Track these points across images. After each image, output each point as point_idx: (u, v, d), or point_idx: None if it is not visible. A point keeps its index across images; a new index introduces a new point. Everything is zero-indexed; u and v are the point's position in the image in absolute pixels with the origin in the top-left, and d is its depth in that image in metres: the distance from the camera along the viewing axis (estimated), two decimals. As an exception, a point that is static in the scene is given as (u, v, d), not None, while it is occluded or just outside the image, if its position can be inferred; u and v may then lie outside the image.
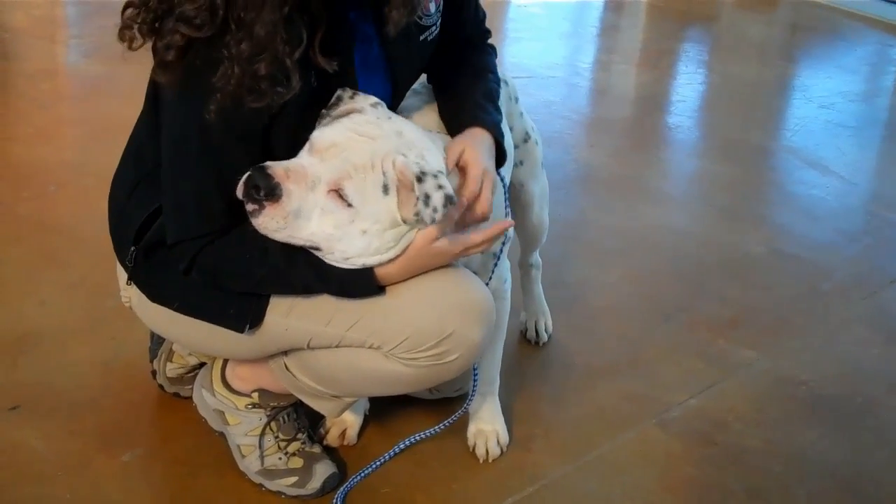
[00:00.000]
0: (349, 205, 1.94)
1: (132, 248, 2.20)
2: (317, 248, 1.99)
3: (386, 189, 1.95)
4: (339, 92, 2.03)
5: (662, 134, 5.70)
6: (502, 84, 2.64)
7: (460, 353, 2.09)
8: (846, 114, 6.19)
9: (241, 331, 2.13)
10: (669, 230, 4.17)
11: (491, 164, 2.17)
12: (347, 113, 2.02)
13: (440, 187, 1.93)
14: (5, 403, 2.63)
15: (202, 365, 2.58)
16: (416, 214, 1.93)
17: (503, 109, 2.67)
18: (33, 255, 3.37)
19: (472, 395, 2.46)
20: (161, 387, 2.68)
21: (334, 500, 2.34)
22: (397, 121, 2.06)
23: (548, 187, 2.97)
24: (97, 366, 2.81)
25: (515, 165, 2.80)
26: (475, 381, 2.42)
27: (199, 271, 2.05)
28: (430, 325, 2.05)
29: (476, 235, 2.07)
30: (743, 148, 5.41)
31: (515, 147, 2.77)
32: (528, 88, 5.59)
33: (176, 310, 2.19)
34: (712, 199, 4.60)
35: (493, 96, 2.34)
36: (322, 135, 1.98)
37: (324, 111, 2.03)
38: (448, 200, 1.93)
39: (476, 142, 2.17)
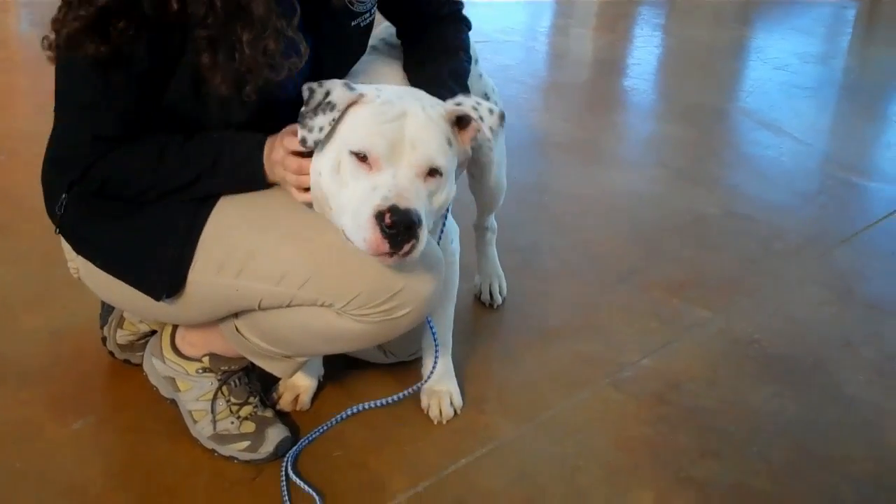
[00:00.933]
0: (440, 174, 1.97)
1: (63, 196, 2.18)
2: None
3: (449, 141, 2.00)
4: (306, 87, 1.97)
5: (618, 97, 5.72)
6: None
7: (411, 307, 2.10)
8: (801, 75, 6.24)
9: (157, 299, 2.13)
10: (624, 193, 4.18)
11: None
12: (344, 111, 1.96)
13: (490, 111, 2.03)
14: (-46, 373, 2.60)
15: (153, 332, 2.57)
16: (473, 139, 2.06)
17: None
18: (-19, 226, 3.34)
19: (434, 363, 2.50)
20: (111, 353, 2.67)
21: (282, 464, 2.33)
22: (385, 88, 2.04)
23: (505, 151, 2.96)
24: (48, 335, 2.79)
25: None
26: (436, 349, 2.44)
27: (92, 181, 2.05)
28: (380, 281, 2.04)
29: None
30: (698, 110, 5.43)
31: (473, 110, 2.78)
32: (484, 52, 5.53)
33: (99, 266, 2.20)
34: (667, 162, 4.62)
35: (460, 75, 2.34)
36: (373, 143, 1.92)
37: (303, 110, 1.95)
38: (501, 116, 2.05)
39: None
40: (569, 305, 3.22)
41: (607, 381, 2.81)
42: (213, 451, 2.38)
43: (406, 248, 1.87)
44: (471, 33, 2.52)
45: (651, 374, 2.87)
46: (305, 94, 1.95)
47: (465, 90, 2.31)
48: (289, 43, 1.97)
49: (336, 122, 1.94)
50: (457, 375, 2.66)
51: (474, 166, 2.91)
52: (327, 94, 1.93)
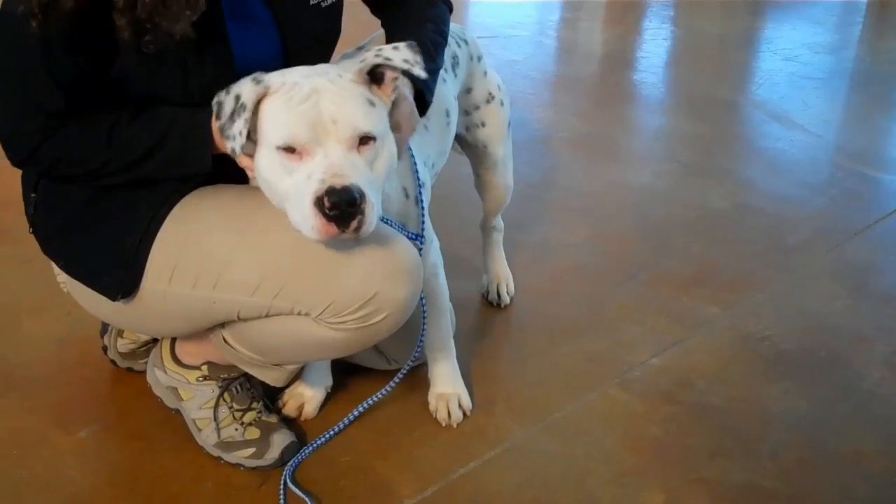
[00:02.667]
0: (373, 139, 1.92)
1: (32, 195, 2.19)
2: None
3: (371, 102, 1.94)
4: (214, 100, 1.92)
5: (627, 91, 5.68)
6: (461, 43, 2.61)
7: (387, 312, 2.07)
8: (812, 66, 6.19)
9: (113, 299, 2.13)
10: (633, 188, 4.16)
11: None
12: (255, 109, 1.91)
13: (395, 48, 1.95)
14: (-41, 382, 2.60)
15: (154, 340, 2.56)
16: (394, 89, 1.98)
17: (463, 69, 2.64)
18: (-14, 232, 3.33)
19: (413, 358, 2.44)
20: (113, 362, 2.66)
21: (283, 474, 2.31)
22: (289, 72, 1.97)
23: (511, 151, 2.94)
24: (52, 342, 2.78)
25: (477, 126, 2.78)
26: (420, 346, 2.41)
27: (42, 160, 2.02)
28: (353, 287, 2.02)
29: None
30: (708, 103, 5.40)
31: (477, 108, 2.75)
32: (491, 48, 5.56)
33: (62, 268, 2.21)
34: (677, 156, 4.59)
35: (427, 47, 2.21)
36: (293, 133, 1.88)
37: (219, 123, 1.91)
38: (410, 46, 1.96)
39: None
40: (577, 304, 3.20)
41: (616, 381, 2.78)
42: (219, 458, 2.36)
43: (354, 224, 1.84)
44: (476, 30, 2.48)
45: (660, 373, 2.85)
46: (215, 107, 1.91)
47: (431, 59, 2.21)
48: None
49: (253, 120, 1.91)
50: (464, 377, 2.64)
51: (479, 166, 2.89)
52: (237, 97, 1.89)
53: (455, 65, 2.59)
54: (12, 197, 2.26)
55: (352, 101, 1.91)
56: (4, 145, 2.04)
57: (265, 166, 1.93)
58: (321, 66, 2.02)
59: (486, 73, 2.75)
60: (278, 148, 1.89)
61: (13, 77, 1.97)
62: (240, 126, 1.88)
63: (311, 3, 2.22)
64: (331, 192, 1.82)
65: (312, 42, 2.28)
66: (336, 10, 2.30)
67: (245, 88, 1.90)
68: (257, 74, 1.92)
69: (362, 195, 1.84)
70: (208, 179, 2.13)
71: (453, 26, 2.67)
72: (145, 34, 1.89)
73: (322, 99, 1.89)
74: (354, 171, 1.86)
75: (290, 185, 1.89)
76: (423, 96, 2.15)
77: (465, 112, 2.73)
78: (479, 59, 2.73)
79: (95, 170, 2.03)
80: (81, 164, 2.03)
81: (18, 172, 2.23)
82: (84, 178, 2.06)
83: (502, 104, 2.81)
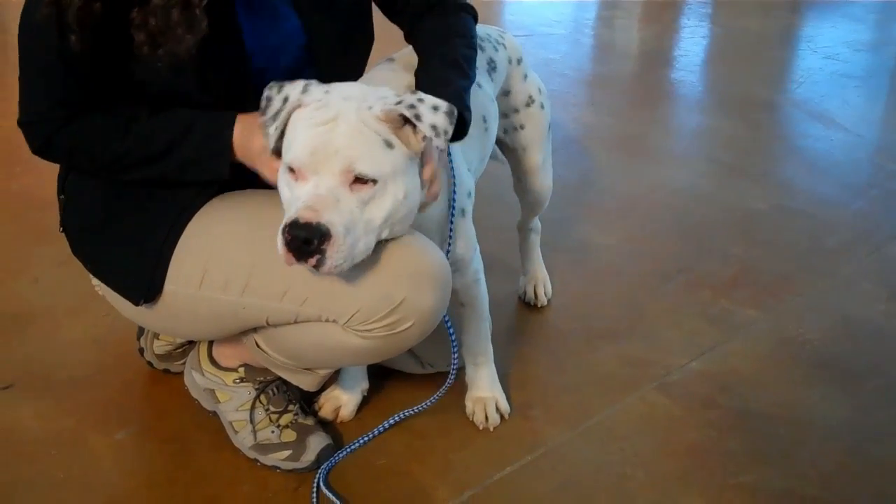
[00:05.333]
0: (373, 181, 1.87)
1: (61, 196, 2.23)
2: (385, 237, 1.97)
3: (388, 144, 1.88)
4: (265, 93, 1.93)
5: (665, 90, 5.65)
6: (498, 46, 2.60)
7: (414, 320, 2.05)
8: (852, 64, 6.14)
9: (136, 303, 2.15)
10: (671, 189, 4.13)
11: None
12: (288, 117, 1.92)
13: (434, 108, 1.88)
14: (-1, 383, 2.62)
15: (191, 342, 2.56)
16: (425, 138, 1.90)
17: (502, 73, 2.62)
18: (26, 232, 3.36)
19: (452, 371, 2.40)
20: (150, 364, 2.67)
21: (315, 477, 2.31)
22: (336, 88, 1.95)
23: (550, 153, 2.92)
24: (90, 343, 2.79)
25: (515, 129, 2.76)
26: (455, 355, 2.38)
27: (57, 149, 2.04)
28: (380, 295, 2.01)
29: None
30: (747, 102, 5.36)
31: (516, 111, 2.73)
32: (527, 46, 5.51)
33: (89, 270, 2.24)
34: (715, 156, 4.56)
35: (458, 62, 2.19)
36: (296, 155, 1.87)
37: (261, 118, 1.92)
38: (449, 113, 1.89)
39: None
40: (615, 306, 3.18)
41: (654, 385, 2.76)
42: (256, 460, 2.36)
43: (311, 261, 1.82)
44: (512, 28, 2.47)
45: (699, 377, 2.82)
46: (264, 101, 1.92)
47: (464, 76, 2.18)
48: (190, 18, 1.90)
49: (284, 128, 1.92)
50: (501, 380, 2.63)
51: (518, 169, 2.88)
52: (285, 99, 1.90)
53: (492, 69, 2.57)
54: (53, 197, 2.27)
55: (364, 137, 1.86)
56: (24, 133, 2.06)
57: (280, 173, 1.94)
58: (362, 91, 1.95)
59: (526, 76, 2.73)
60: (285, 163, 1.90)
61: (33, 68, 2.00)
62: (272, 130, 1.90)
63: None
64: (293, 224, 1.81)
65: (337, 37, 2.26)
66: (362, 4, 2.30)
67: (294, 92, 1.90)
68: (310, 83, 1.93)
69: (325, 235, 1.81)
70: (234, 184, 2.13)
71: (491, 29, 2.67)
72: (160, 48, 1.91)
73: (337, 127, 1.86)
74: (334, 209, 1.83)
75: (285, 201, 1.91)
76: (462, 117, 2.09)
77: (504, 115, 2.71)
78: (519, 61, 2.71)
79: (111, 161, 2.04)
80: (98, 154, 2.04)
81: (57, 173, 2.25)
82: (99, 169, 2.08)
83: (542, 107, 2.79)
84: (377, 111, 1.88)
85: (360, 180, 1.86)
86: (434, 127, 1.87)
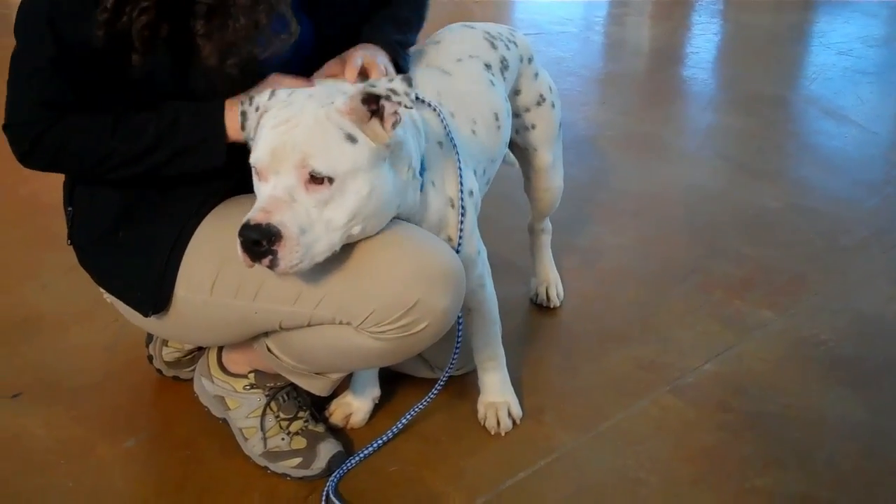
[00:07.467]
0: (330, 179, 1.86)
1: (69, 208, 2.21)
2: (359, 235, 1.97)
3: (351, 138, 1.88)
4: (240, 108, 1.95)
5: (676, 88, 5.63)
6: (509, 45, 2.59)
7: (428, 321, 2.03)
8: (865, 60, 6.10)
9: (145, 315, 2.15)
10: (683, 188, 4.10)
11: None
12: (258, 123, 1.93)
13: (390, 85, 1.88)
14: (7, 391, 2.60)
15: (200, 349, 2.55)
16: (394, 123, 1.91)
17: (513, 72, 2.60)
18: (34, 237, 3.35)
19: (449, 370, 2.40)
20: (159, 371, 2.65)
21: (325, 487, 2.28)
22: (298, 91, 1.96)
23: (561, 154, 2.89)
24: (99, 350, 2.78)
25: (527, 129, 2.74)
26: (456, 350, 2.37)
27: (44, 152, 2.00)
28: (393, 296, 2.00)
29: None
30: (759, 99, 5.32)
31: (527, 110, 2.71)
32: (538, 45, 5.48)
33: (96, 282, 2.23)
34: (728, 154, 4.53)
35: (397, 20, 2.27)
36: (257, 156, 1.89)
37: (243, 134, 1.96)
38: (406, 81, 1.89)
39: (367, 49, 2.17)
40: (627, 308, 3.15)
41: (668, 388, 2.73)
42: (266, 468, 2.35)
43: (265, 262, 1.83)
44: (523, 27, 2.48)
45: (713, 379, 2.79)
46: (240, 118, 1.94)
47: (400, 31, 2.27)
48: (280, 19, 1.94)
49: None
50: (513, 384, 2.60)
51: (528, 169, 2.85)
52: (257, 109, 1.92)
53: (504, 68, 2.55)
54: (60, 203, 2.26)
55: (323, 132, 1.87)
56: (10, 138, 2.02)
57: (253, 174, 1.95)
58: (327, 89, 1.98)
59: (536, 75, 2.71)
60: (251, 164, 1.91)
61: (23, 71, 1.98)
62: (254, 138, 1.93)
63: None
64: (244, 226, 1.82)
65: (343, 28, 2.26)
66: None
67: (262, 100, 1.93)
68: (277, 91, 1.94)
69: (275, 236, 1.81)
70: (241, 189, 2.12)
71: (502, 28, 2.66)
72: (229, 58, 1.92)
73: (298, 125, 1.86)
74: (287, 209, 1.84)
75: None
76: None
77: (515, 114, 2.68)
78: (530, 60, 2.69)
79: (100, 161, 2.01)
80: (86, 154, 2.01)
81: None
82: (89, 171, 2.05)
83: (553, 106, 2.76)
84: (339, 105, 1.89)
85: (316, 180, 1.86)
86: (393, 92, 1.87)
